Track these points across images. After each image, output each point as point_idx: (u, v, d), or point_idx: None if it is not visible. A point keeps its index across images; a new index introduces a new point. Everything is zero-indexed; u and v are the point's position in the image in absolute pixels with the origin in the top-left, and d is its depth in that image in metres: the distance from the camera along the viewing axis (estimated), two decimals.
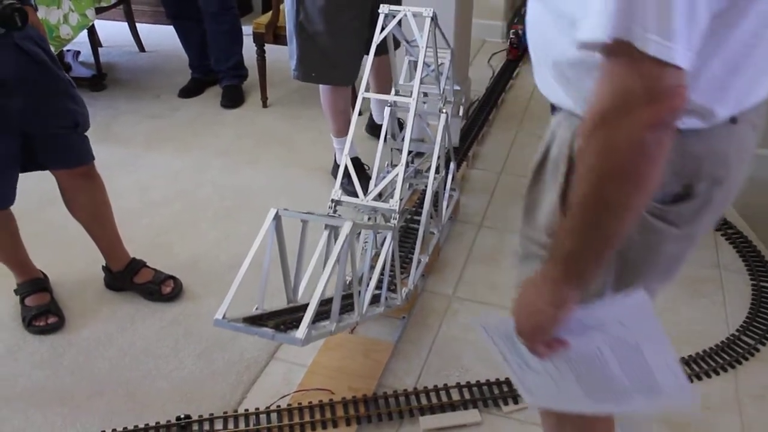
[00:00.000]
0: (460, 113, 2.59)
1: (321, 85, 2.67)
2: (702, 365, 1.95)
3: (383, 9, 1.91)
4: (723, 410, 1.82)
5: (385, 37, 1.96)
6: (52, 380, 1.93)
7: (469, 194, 2.78)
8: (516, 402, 1.83)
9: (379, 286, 1.79)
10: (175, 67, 3.89)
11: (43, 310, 2.11)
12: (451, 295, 2.24)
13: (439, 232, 2.31)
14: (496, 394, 1.84)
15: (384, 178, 2.07)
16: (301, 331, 1.35)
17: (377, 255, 1.86)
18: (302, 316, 1.38)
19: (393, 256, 1.82)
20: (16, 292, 2.17)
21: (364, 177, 2.81)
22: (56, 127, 1.93)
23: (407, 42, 2.13)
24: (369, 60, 1.99)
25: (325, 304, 1.54)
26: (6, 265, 2.15)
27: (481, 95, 3.52)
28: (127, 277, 2.24)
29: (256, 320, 1.46)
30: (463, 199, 2.72)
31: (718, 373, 1.94)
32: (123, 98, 3.63)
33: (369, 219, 2.01)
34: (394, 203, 1.78)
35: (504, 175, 2.92)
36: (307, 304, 1.39)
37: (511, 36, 4.07)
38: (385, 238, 1.79)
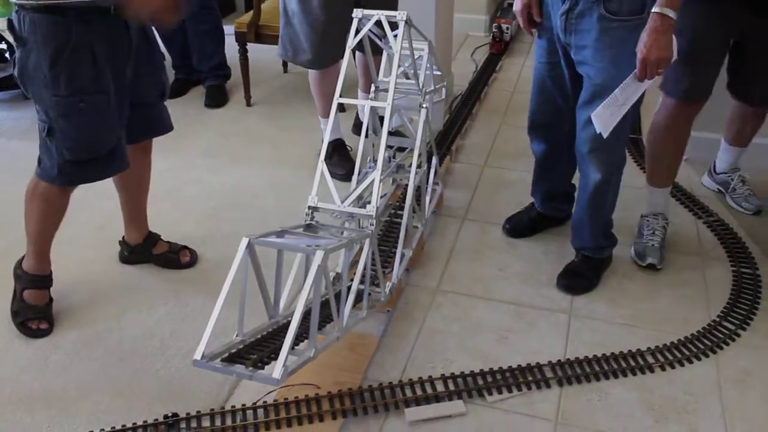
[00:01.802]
0: (443, 96, 2.61)
1: (309, 71, 2.80)
2: (684, 351, 1.98)
3: (357, 13, 1.92)
4: (704, 395, 1.85)
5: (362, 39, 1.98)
6: (39, 383, 1.93)
7: (452, 188, 2.80)
8: (500, 392, 1.85)
9: (361, 284, 1.80)
10: None
11: (39, 315, 2.10)
12: (436, 289, 2.26)
13: (422, 227, 2.33)
14: (480, 384, 1.86)
15: (367, 174, 2.09)
16: (277, 371, 1.37)
17: (362, 249, 1.86)
18: (281, 345, 1.39)
19: (374, 258, 1.84)
20: (19, 277, 2.12)
21: (347, 159, 2.84)
22: (151, 96, 2.09)
23: (380, 39, 2.14)
24: (344, 59, 2.00)
25: (306, 318, 1.54)
26: (33, 246, 2.09)
27: (464, 89, 3.54)
28: (147, 249, 2.37)
29: (235, 357, 1.48)
30: (447, 193, 2.74)
31: (699, 359, 1.96)
32: None
33: (348, 223, 2.01)
34: (371, 209, 1.80)
35: (487, 168, 2.94)
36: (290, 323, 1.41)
37: (494, 30, 4.10)
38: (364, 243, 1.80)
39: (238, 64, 3.47)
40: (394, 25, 1.96)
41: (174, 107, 3.55)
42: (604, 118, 1.87)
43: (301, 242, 1.65)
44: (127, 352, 2.03)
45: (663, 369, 1.93)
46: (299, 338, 1.60)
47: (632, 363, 1.93)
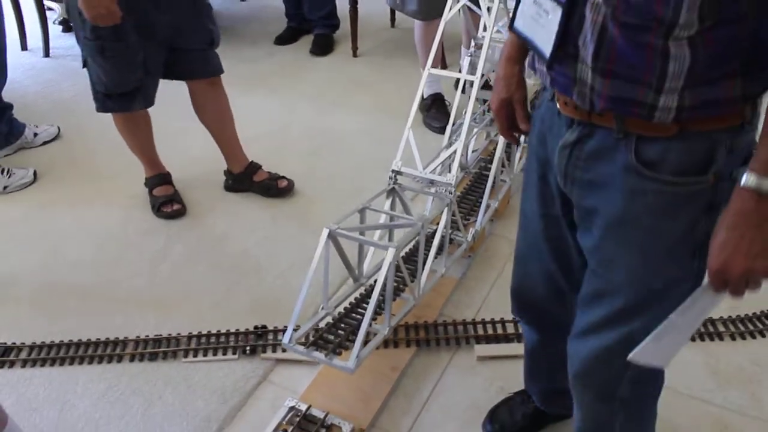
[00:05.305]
0: None
1: (415, 21, 2.93)
2: (757, 324, 1.98)
3: None
4: None
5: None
6: (149, 287, 2.17)
7: None
8: None
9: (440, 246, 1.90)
10: (273, 16, 4.07)
11: (169, 198, 2.46)
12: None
13: (510, 181, 2.40)
14: None
15: (461, 126, 2.17)
16: (351, 361, 1.52)
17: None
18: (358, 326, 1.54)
19: (455, 217, 1.94)
20: (145, 183, 2.51)
21: (444, 113, 2.95)
22: (197, 43, 2.28)
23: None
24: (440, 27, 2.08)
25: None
26: (140, 159, 2.50)
27: None
28: (248, 177, 2.57)
29: (317, 340, 1.62)
30: None
31: None
32: (222, 44, 3.83)
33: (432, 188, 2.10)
34: (450, 178, 1.88)
35: None
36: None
37: None
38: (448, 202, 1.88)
39: (347, 16, 3.60)
40: None
41: (284, 53, 3.78)
42: (653, 353, 1.05)
43: (378, 227, 1.82)
44: (226, 269, 2.23)
45: (733, 338, 1.95)
46: (377, 309, 1.72)
47: (701, 329, 1.97)
